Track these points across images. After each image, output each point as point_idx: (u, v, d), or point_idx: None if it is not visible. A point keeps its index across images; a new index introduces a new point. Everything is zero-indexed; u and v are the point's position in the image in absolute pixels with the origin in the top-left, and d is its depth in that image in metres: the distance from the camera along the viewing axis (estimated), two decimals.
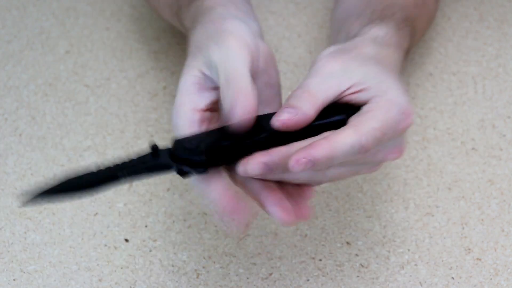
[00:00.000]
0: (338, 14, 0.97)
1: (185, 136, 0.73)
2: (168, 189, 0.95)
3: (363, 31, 0.83)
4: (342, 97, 0.73)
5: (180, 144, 0.72)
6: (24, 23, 1.12)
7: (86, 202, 0.94)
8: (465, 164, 0.97)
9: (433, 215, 0.93)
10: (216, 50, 0.73)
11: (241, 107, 0.70)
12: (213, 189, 0.72)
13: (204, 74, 0.75)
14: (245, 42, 0.74)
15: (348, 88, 0.73)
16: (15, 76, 1.06)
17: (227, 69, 0.72)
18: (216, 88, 0.75)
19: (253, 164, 0.70)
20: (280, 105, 0.77)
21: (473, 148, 0.99)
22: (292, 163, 0.68)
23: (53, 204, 0.93)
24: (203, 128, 0.74)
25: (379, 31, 0.82)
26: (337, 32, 0.93)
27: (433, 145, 0.99)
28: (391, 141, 0.73)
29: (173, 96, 1.03)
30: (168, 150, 0.72)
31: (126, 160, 0.73)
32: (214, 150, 0.71)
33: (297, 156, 0.68)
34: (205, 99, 0.75)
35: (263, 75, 0.77)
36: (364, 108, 0.72)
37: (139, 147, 0.99)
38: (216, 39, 0.74)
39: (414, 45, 0.93)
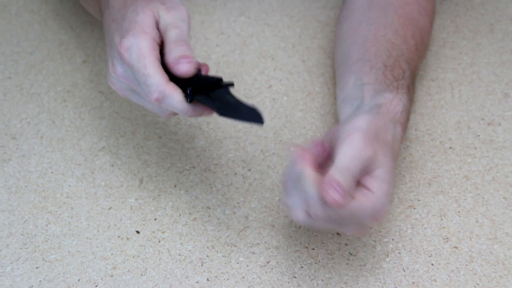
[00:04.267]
0: (346, 48, 0.97)
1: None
2: (175, 186, 0.95)
3: (386, 100, 0.86)
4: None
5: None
6: (45, 36, 1.12)
7: (101, 198, 0.94)
8: (443, 161, 0.97)
9: (414, 208, 0.93)
10: (168, 14, 0.84)
11: (186, 54, 0.83)
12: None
13: (155, 34, 0.84)
14: (187, 13, 0.85)
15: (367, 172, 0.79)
16: (37, 84, 1.06)
17: (178, 29, 0.83)
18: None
19: None
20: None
21: (450, 147, 0.98)
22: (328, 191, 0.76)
23: (71, 200, 0.93)
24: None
25: (397, 107, 0.87)
26: (345, 70, 0.94)
27: (414, 144, 0.98)
28: (354, 225, 0.79)
29: None
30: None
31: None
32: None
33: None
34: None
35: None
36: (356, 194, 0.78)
37: (149, 147, 0.98)
38: (171, 4, 0.85)
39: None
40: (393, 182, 0.81)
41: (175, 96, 0.81)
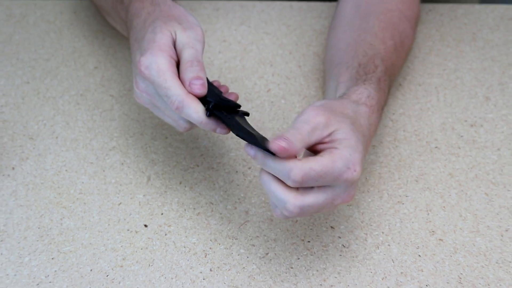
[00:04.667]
0: (331, 55, 0.98)
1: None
2: (180, 183, 0.94)
3: (350, 91, 0.87)
4: (320, 143, 0.78)
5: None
6: (60, 44, 1.12)
7: (112, 194, 0.93)
8: (430, 160, 0.97)
9: (403, 203, 0.92)
10: (185, 34, 0.84)
11: (199, 76, 0.83)
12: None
13: (172, 52, 0.84)
14: (202, 33, 0.85)
15: (325, 137, 0.78)
16: (52, 88, 1.06)
17: (193, 50, 0.83)
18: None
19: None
20: (202, 69, 0.84)
21: (436, 147, 0.98)
22: (246, 147, 0.78)
23: (84, 195, 0.93)
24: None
25: (361, 94, 0.86)
26: (330, 74, 0.95)
27: (403, 144, 0.98)
28: (338, 187, 0.77)
29: None
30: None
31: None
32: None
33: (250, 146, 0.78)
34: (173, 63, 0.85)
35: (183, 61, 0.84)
36: (319, 154, 0.77)
37: (156, 147, 0.98)
38: (187, 24, 0.85)
39: (391, 86, 0.96)
40: (359, 140, 0.79)
41: (193, 106, 0.81)
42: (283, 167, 0.75)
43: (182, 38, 0.84)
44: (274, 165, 0.76)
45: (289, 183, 0.75)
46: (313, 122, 0.77)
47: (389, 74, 0.94)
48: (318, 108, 0.79)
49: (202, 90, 0.82)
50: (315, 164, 0.75)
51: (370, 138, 0.85)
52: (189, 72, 0.82)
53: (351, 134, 0.78)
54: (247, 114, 0.84)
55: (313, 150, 0.79)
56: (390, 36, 0.96)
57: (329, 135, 0.78)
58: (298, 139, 0.76)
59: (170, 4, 0.88)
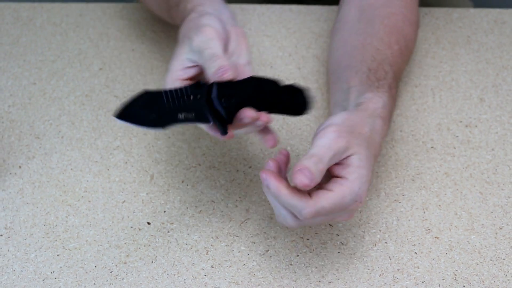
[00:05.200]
0: (336, 57, 0.97)
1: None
2: (183, 181, 0.94)
3: (366, 100, 0.87)
4: (332, 166, 0.79)
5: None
6: (65, 46, 1.12)
7: (116, 192, 0.93)
8: (426, 160, 0.96)
9: (399, 202, 0.92)
10: (197, 38, 0.83)
11: (222, 65, 0.80)
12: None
13: (186, 57, 0.83)
14: (217, 31, 0.83)
15: (341, 159, 0.79)
16: (58, 89, 1.06)
17: (209, 54, 0.81)
18: (194, 66, 0.84)
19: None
20: (250, 73, 0.83)
21: (432, 147, 0.98)
22: (262, 173, 0.78)
23: (89, 194, 0.92)
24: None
25: (377, 104, 0.87)
26: (337, 77, 0.94)
27: (399, 144, 0.98)
28: (342, 213, 0.79)
29: None
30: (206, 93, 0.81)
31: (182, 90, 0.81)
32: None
33: (266, 172, 0.78)
34: (186, 74, 0.84)
35: (233, 55, 0.84)
36: (330, 186, 0.78)
37: (159, 146, 0.98)
38: (196, 31, 0.83)
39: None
40: (370, 167, 0.80)
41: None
42: (296, 204, 0.76)
43: (194, 46, 0.83)
44: (287, 201, 0.76)
45: (299, 217, 0.77)
46: (335, 148, 0.78)
47: (397, 79, 0.93)
48: (340, 129, 0.79)
49: (227, 73, 0.80)
50: (326, 202, 0.77)
51: (380, 151, 0.86)
52: (211, 68, 0.81)
53: (365, 162, 0.79)
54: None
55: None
56: (396, 41, 0.95)
57: (345, 158, 0.79)
58: (320, 169, 0.76)
59: (190, 18, 0.88)
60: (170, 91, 0.80)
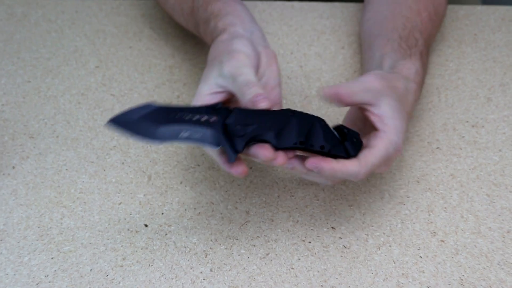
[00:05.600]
0: (368, 27, 1.02)
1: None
2: (181, 182, 0.94)
3: (399, 65, 0.92)
4: (365, 110, 0.84)
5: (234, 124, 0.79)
6: (61, 43, 1.11)
7: (112, 193, 0.92)
8: (431, 161, 0.96)
9: (404, 204, 0.91)
10: (228, 64, 0.83)
11: (259, 93, 0.80)
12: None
13: (215, 82, 0.83)
14: (249, 56, 0.84)
15: (372, 106, 0.83)
16: (53, 87, 1.05)
17: (243, 80, 0.81)
18: (222, 92, 0.84)
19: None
20: (279, 95, 0.85)
21: (437, 148, 0.97)
22: (308, 163, 0.79)
23: (84, 195, 0.92)
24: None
25: (410, 70, 0.91)
26: (368, 46, 0.99)
27: (404, 145, 0.97)
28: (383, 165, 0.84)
29: (186, 103, 1.02)
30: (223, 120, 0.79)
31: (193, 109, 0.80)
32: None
33: (313, 160, 0.79)
34: (214, 99, 0.84)
35: (263, 77, 0.86)
36: (372, 142, 0.82)
37: (157, 147, 0.98)
38: (227, 56, 0.84)
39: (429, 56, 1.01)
40: (404, 119, 0.84)
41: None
42: (351, 172, 0.80)
43: (225, 72, 0.83)
44: (343, 174, 0.80)
45: (355, 180, 0.82)
46: (369, 84, 0.83)
47: (427, 45, 0.98)
48: (376, 75, 0.85)
49: (265, 102, 0.79)
50: (375, 158, 0.82)
51: (412, 111, 0.91)
52: (247, 95, 0.80)
53: (397, 113, 0.84)
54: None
55: (360, 111, 0.86)
56: (424, 8, 1.00)
57: (378, 106, 0.83)
58: (349, 94, 0.81)
59: (221, 39, 0.88)
60: (181, 107, 0.79)
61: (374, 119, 0.83)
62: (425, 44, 0.97)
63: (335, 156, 0.80)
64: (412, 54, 0.94)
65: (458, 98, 1.03)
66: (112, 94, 1.04)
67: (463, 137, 0.99)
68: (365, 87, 0.83)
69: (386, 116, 0.83)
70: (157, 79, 1.06)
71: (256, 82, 0.81)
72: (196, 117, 0.78)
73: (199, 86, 0.84)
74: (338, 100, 0.81)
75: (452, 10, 1.14)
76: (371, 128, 0.84)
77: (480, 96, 1.03)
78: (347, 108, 0.91)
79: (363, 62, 0.99)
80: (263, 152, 0.78)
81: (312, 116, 0.80)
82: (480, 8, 1.15)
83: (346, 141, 0.80)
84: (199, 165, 0.96)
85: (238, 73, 0.81)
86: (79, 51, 1.10)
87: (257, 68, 0.84)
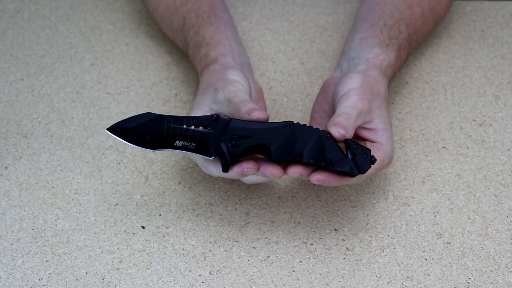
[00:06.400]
0: (359, 13, 1.03)
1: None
2: (179, 183, 0.94)
3: (374, 56, 0.94)
4: (361, 127, 0.88)
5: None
6: (55, 40, 1.12)
7: (108, 194, 0.93)
8: (437, 160, 0.96)
9: (409, 205, 0.92)
10: (225, 89, 0.87)
11: (255, 107, 0.84)
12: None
13: (210, 108, 0.88)
14: (244, 86, 0.88)
15: (365, 124, 0.88)
16: (47, 85, 1.06)
17: (239, 99, 0.85)
18: None
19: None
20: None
21: (443, 147, 0.98)
22: (312, 177, 0.83)
23: (79, 196, 0.92)
24: None
25: (383, 62, 0.94)
26: (354, 28, 1.01)
27: (409, 144, 0.98)
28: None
29: (183, 102, 1.03)
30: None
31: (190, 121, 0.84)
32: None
33: (317, 174, 0.83)
34: None
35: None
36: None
37: None
38: (223, 83, 0.88)
39: (410, 53, 1.03)
40: (391, 127, 0.89)
41: None
42: (348, 182, 0.84)
43: (220, 98, 0.87)
44: (347, 183, 0.85)
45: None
46: (359, 108, 0.86)
47: (411, 41, 1.00)
48: (360, 92, 0.88)
49: (262, 114, 0.83)
50: (372, 171, 0.86)
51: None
52: (243, 109, 0.83)
53: (388, 124, 0.89)
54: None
55: (355, 132, 0.88)
56: (418, 2, 1.01)
57: (370, 121, 0.88)
58: (351, 124, 0.84)
59: (214, 69, 0.92)
60: (176, 116, 0.83)
61: (367, 134, 0.88)
62: (409, 39, 0.99)
63: (338, 172, 0.82)
64: (390, 44, 0.96)
65: (465, 96, 1.04)
66: (108, 92, 1.04)
67: (470, 136, 0.99)
68: (357, 112, 0.86)
69: (380, 129, 0.88)
70: (154, 76, 1.07)
71: (251, 101, 0.85)
72: (192, 126, 0.83)
73: (190, 111, 0.89)
74: (343, 139, 0.83)
75: (459, 5, 1.14)
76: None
77: (487, 94, 1.04)
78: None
79: (345, 43, 1.01)
80: (247, 166, 0.83)
81: (316, 129, 0.82)
82: (488, 4, 1.15)
83: (355, 156, 0.82)
84: (197, 165, 0.96)
85: (234, 95, 0.86)
86: (74, 48, 1.10)
87: (250, 98, 0.88)
